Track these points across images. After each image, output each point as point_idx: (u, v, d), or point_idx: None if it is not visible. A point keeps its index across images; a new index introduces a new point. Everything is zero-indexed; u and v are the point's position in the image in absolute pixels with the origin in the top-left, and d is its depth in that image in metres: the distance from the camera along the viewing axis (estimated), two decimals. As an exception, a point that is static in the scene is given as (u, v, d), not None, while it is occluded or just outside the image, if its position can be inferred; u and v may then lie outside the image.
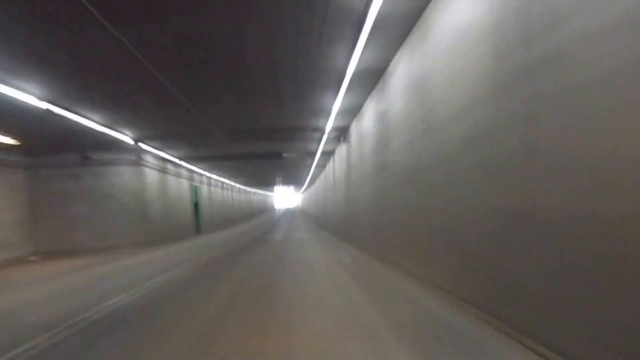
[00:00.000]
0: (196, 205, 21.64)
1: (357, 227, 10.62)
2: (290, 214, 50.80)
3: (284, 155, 15.89)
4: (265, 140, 13.34)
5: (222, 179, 28.07)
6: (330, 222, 18.05)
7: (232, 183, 32.05)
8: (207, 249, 13.39)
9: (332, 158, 16.84)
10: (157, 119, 10.78)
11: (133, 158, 14.85)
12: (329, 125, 10.86)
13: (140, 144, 12.81)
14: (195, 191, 21.44)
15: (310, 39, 5.69)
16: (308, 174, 26.49)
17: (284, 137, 12.86)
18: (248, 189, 42.03)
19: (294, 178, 31.52)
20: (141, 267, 9.55)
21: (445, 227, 4.48)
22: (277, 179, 31.28)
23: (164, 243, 16.11)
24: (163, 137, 12.79)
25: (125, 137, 11.87)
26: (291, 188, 59.44)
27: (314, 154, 15.89)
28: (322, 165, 20.35)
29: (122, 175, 14.94)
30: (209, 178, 24.50)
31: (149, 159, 15.44)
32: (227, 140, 12.84)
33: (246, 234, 20.73)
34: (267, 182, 36.45)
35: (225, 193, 30.10)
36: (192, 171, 20.56)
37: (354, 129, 10.93)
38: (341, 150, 13.56)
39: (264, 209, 58.49)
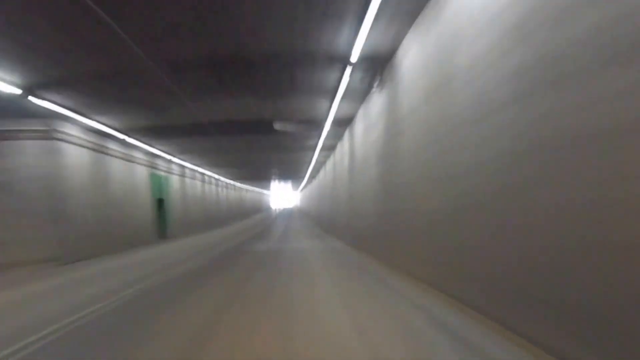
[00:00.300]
0: (161, 202, 16.33)
1: (415, 235, 5.40)
2: (287, 213, 45.51)
3: (276, 126, 10.64)
4: (243, 91, 8.05)
5: (203, 170, 22.77)
6: (341, 225, 12.81)
7: (217, 176, 26.74)
8: (153, 269, 8.12)
9: (347, 131, 11.61)
10: (50, 45, 5.62)
11: (42, 128, 9.58)
12: (360, 42, 5.62)
13: (34, 98, 7.50)
14: (159, 182, 16.13)
15: None
16: (308, 166, 21.27)
17: (276, 83, 7.59)
18: (238, 184, 36.72)
19: (291, 171, 26.20)
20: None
21: None
22: (272, 171, 25.92)
23: (96, 256, 10.82)
24: (73, 84, 7.47)
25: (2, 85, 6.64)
26: (289, 186, 54.46)
27: (321, 124, 10.63)
28: (329, 148, 15.12)
29: (24, 154, 9.66)
30: (182, 167, 19.18)
31: (71, 130, 10.16)
32: (179, 88, 7.58)
33: (229, 239, 15.46)
34: (260, 177, 31.06)
35: (207, 188, 24.80)
36: (153, 155, 15.24)
37: (410, 51, 5.67)
38: (369, 110, 8.32)
39: (258, 209, 53.10)
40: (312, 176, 27.81)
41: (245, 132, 11.61)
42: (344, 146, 12.47)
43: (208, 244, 14.06)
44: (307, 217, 33.24)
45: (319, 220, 22.15)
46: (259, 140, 13.03)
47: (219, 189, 28.65)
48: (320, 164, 20.45)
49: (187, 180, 20.30)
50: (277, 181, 35.92)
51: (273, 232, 18.69)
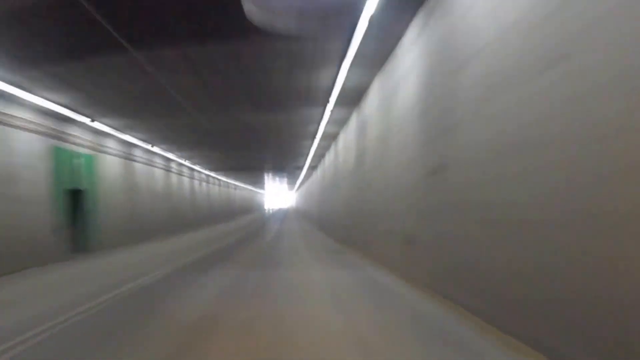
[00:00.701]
0: (77, 195, 10.28)
1: None
2: (282, 214, 39.39)
3: (248, 7, 4.69)
4: None
5: (167, 154, 16.70)
6: (384, 233, 6.91)
7: (189, 164, 20.65)
8: None
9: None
10: None
11: None
12: None
13: None
14: (70, 164, 10.05)
15: None
16: (310, 147, 15.40)
17: None
18: (223, 179, 30.67)
19: (288, 155, 20.27)
20: None
21: None
22: (264, 155, 19.79)
23: None
24: None
25: None
26: (284, 186, 48.83)
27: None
28: (350, 101, 9.15)
29: None
30: (129, 145, 13.07)
31: None
32: None
33: (189, 253, 9.57)
34: (250, 166, 25.04)
35: (176, 180, 18.74)
36: (58, 118, 9.16)
37: None
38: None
39: (249, 209, 46.84)
40: (313, 166, 21.93)
41: (190, 35, 5.59)
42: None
43: (140, 267, 8.05)
44: (305, 219, 27.27)
45: (324, 223, 16.16)
46: (226, 68, 6.93)
47: (195, 182, 22.56)
48: (326, 145, 14.50)
49: (139, 165, 14.22)
50: (270, 174, 29.90)
51: (260, 241, 12.72)
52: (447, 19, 4.09)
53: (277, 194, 71.18)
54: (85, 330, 3.77)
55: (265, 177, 31.55)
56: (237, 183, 37.13)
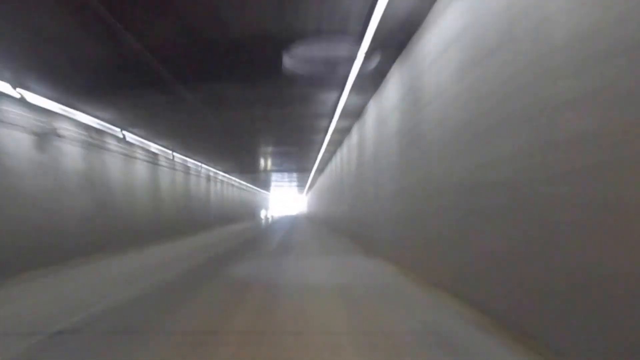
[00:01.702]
0: None
1: None
2: (286, 225, 26.53)
3: None
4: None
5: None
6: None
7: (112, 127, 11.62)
8: None
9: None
10: None
11: None
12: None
13: None
14: None
15: None
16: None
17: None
18: (206, 168, 21.83)
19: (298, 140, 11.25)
20: None
21: None
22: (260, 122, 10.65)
23: None
24: None
25: None
26: (293, 188, 40.71)
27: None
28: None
29: None
30: None
31: None
32: None
33: None
34: (252, 146, 16.11)
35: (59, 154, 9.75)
36: None
37: None
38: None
39: (241, 216, 34.36)
40: (338, 139, 13.03)
41: None
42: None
43: None
44: (330, 233, 17.40)
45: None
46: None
47: (130, 165, 13.57)
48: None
49: None
50: (271, 158, 20.95)
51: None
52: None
53: (286, 199, 62.11)
54: None
55: (262, 161, 22.08)
56: (228, 177, 28.13)
